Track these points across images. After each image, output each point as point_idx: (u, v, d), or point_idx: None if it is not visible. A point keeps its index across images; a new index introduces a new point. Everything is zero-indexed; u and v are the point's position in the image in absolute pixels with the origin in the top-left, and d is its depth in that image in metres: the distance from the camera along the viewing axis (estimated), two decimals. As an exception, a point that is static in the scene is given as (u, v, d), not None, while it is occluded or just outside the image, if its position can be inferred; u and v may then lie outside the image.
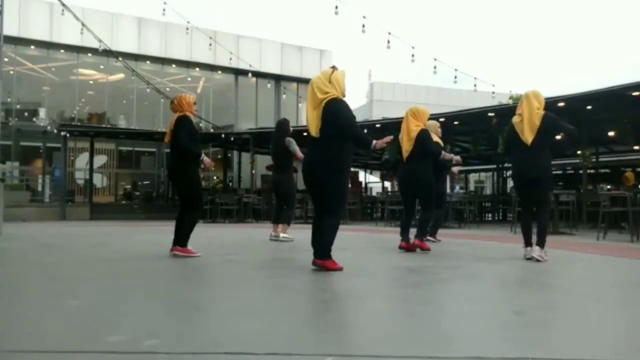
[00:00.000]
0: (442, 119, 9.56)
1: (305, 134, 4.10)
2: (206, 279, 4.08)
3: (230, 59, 17.17)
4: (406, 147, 5.47)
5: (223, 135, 16.84)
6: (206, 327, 2.40)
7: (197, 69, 22.03)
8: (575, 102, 9.94)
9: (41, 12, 18.56)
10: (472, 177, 29.71)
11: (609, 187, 11.75)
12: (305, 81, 22.28)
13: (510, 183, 19.65)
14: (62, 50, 19.67)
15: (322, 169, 3.94)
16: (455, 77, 12.67)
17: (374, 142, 3.95)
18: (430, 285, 3.66)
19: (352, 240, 6.94)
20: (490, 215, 16.82)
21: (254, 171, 16.45)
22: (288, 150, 6.68)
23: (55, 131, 16.69)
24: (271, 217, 7.85)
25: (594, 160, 13.94)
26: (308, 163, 4.09)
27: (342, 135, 3.90)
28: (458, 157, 6.36)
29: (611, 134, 13.09)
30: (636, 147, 15.05)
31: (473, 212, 12.47)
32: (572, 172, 19.46)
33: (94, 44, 13.52)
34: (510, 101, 13.61)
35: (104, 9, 19.89)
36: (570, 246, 6.48)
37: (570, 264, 5.00)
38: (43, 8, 18.51)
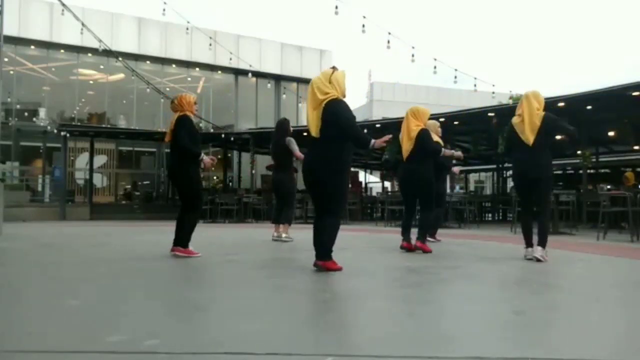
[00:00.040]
0: (442, 119, 9.56)
1: (305, 134, 4.10)
2: (206, 279, 4.08)
3: (230, 59, 17.18)
4: (406, 146, 5.47)
5: (223, 135, 16.84)
6: (206, 327, 2.40)
7: (197, 69, 22.03)
8: (575, 102, 9.94)
9: (41, 12, 18.57)
10: (472, 177, 29.71)
11: (609, 187, 11.75)
12: (305, 81, 22.28)
13: (510, 183, 19.66)
14: (62, 50, 19.67)
15: (323, 169, 3.95)
16: (455, 77, 12.68)
17: (373, 141, 3.96)
18: (430, 285, 3.66)
19: (352, 240, 6.94)
20: (490, 215, 16.82)
21: (254, 171, 16.45)
22: (288, 150, 6.68)
23: (55, 131, 16.69)
24: (271, 217, 7.85)
25: (594, 160, 13.93)
26: (308, 163, 4.09)
27: (342, 135, 3.90)
28: (459, 153, 6.34)
29: (611, 134, 13.10)
30: (636, 147, 15.06)
31: (473, 212, 12.47)
32: (572, 172, 19.46)
33: (94, 44, 13.52)
34: (510, 101, 13.61)
35: (104, 9, 19.91)
36: (570, 246, 6.48)
37: (570, 264, 5.00)
38: (43, 8, 18.51)
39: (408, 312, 2.81)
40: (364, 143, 4.01)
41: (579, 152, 11.11)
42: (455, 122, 12.01)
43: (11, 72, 18.62)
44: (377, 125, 13.61)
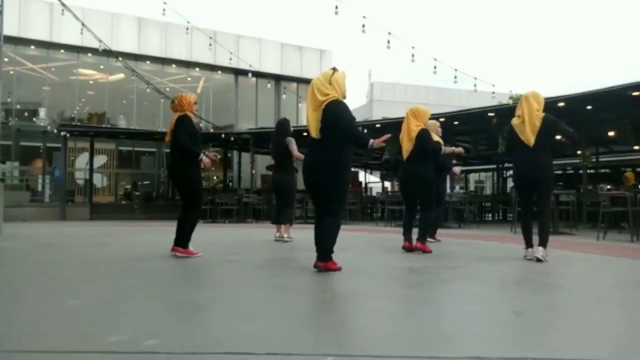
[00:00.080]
0: (442, 119, 9.56)
1: (305, 134, 4.10)
2: (206, 279, 4.08)
3: (230, 59, 17.18)
4: (406, 147, 5.47)
5: (223, 135, 16.84)
6: (206, 327, 2.40)
7: (197, 69, 22.03)
8: (575, 102, 9.94)
9: (41, 12, 18.56)
10: (472, 177, 29.71)
11: (609, 187, 11.75)
12: (305, 81, 22.29)
13: (510, 183, 19.66)
14: (62, 50, 19.67)
15: (323, 169, 3.95)
16: (455, 77, 12.67)
17: (372, 141, 3.96)
18: (431, 285, 3.66)
19: (352, 240, 6.94)
20: (490, 215, 16.81)
21: (254, 171, 16.45)
22: (289, 150, 6.68)
23: (55, 131, 16.69)
24: (271, 217, 7.85)
25: (594, 160, 13.93)
26: (308, 164, 4.10)
27: (342, 136, 3.91)
28: (460, 149, 6.33)
29: (611, 134, 13.09)
30: (636, 147, 15.05)
31: (473, 212, 12.46)
32: (572, 172, 19.47)
33: (94, 44, 13.51)
34: (510, 101, 13.61)
35: (104, 9, 19.91)
36: (570, 246, 6.48)
37: (570, 264, 5.00)
38: (43, 8, 18.51)
39: (408, 312, 2.81)
40: (363, 143, 4.01)
41: (579, 152, 11.12)
42: (455, 122, 12.01)
43: (11, 72, 18.62)
44: (377, 125, 13.60)
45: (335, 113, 3.88)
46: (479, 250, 5.98)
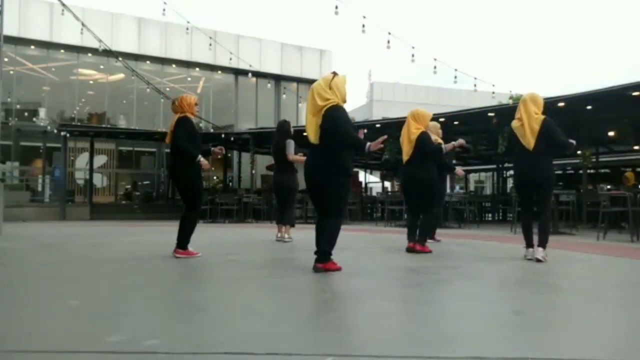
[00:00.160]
0: (442, 119, 9.54)
1: (305, 134, 4.11)
2: (206, 279, 4.08)
3: (230, 59, 17.18)
4: (406, 149, 5.48)
5: (223, 135, 16.84)
6: (206, 327, 2.40)
7: (197, 69, 22.03)
8: (575, 102, 9.94)
9: (41, 12, 18.57)
10: (472, 177, 29.70)
11: (609, 187, 11.76)
12: (305, 81, 22.31)
13: (510, 183, 19.66)
14: (62, 50, 19.67)
15: (322, 172, 3.97)
16: (455, 77, 12.68)
17: (368, 144, 3.96)
18: (430, 285, 3.66)
19: (352, 240, 6.94)
20: (490, 215, 16.81)
21: (254, 171, 16.46)
22: None
23: (55, 131, 16.69)
24: (271, 218, 7.85)
25: (594, 160, 13.93)
26: (308, 166, 4.12)
27: (341, 142, 3.92)
28: (461, 141, 6.31)
29: (611, 134, 13.09)
30: (636, 147, 15.06)
31: (473, 212, 12.46)
32: (572, 172, 19.47)
33: (94, 44, 13.52)
34: (510, 101, 13.58)
35: (104, 9, 19.91)
36: (570, 246, 6.48)
37: (570, 264, 5.00)
38: (43, 8, 18.51)
39: (408, 312, 2.81)
40: (360, 148, 4.02)
41: (579, 152, 11.10)
42: (455, 122, 12.01)
43: (11, 72, 18.63)
44: (377, 125, 13.60)
45: (333, 118, 3.89)
46: (479, 250, 5.98)
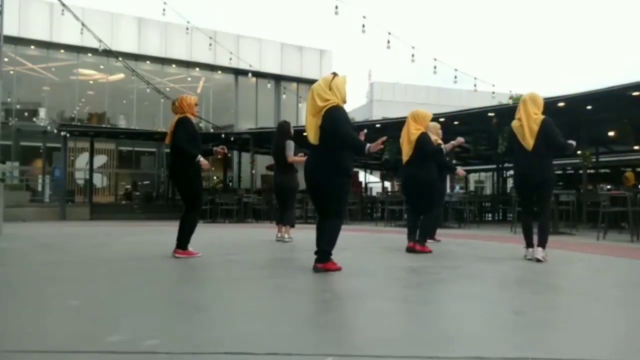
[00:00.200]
0: (442, 119, 9.55)
1: (305, 134, 4.11)
2: (206, 279, 4.08)
3: (230, 59, 17.18)
4: (406, 150, 5.49)
5: (223, 135, 16.83)
6: (206, 327, 2.40)
7: (197, 69, 22.03)
8: (575, 102, 9.94)
9: (41, 12, 18.57)
10: (472, 177, 29.70)
11: (609, 187, 11.76)
12: (305, 81, 22.31)
13: (510, 183, 19.66)
14: (62, 50, 19.67)
15: (322, 173, 3.98)
16: (455, 77, 12.66)
17: (368, 145, 3.96)
18: (431, 285, 3.66)
19: (352, 240, 6.94)
20: (490, 215, 16.82)
21: (254, 171, 16.46)
22: None
23: (55, 131, 16.69)
24: (271, 217, 7.85)
25: (594, 160, 13.93)
26: (308, 166, 4.12)
27: (341, 143, 3.92)
28: (460, 139, 6.32)
29: (611, 134, 13.09)
30: (636, 147, 15.05)
31: (473, 212, 12.46)
32: (572, 172, 19.47)
33: (94, 44, 13.52)
34: (510, 101, 13.59)
35: (104, 9, 19.91)
36: (570, 246, 6.48)
37: (570, 264, 5.00)
38: (43, 8, 18.51)
39: (408, 312, 2.81)
40: (359, 150, 4.01)
41: (579, 152, 11.11)
42: (455, 122, 12.00)
43: (11, 72, 18.63)
44: (377, 126, 13.58)
45: (333, 119, 3.89)
46: (479, 250, 5.98)
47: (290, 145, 6.69)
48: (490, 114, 11.15)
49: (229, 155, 19.95)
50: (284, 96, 21.74)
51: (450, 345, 2.09)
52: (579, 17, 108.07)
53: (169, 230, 5.40)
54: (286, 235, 6.83)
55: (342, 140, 3.91)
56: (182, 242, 4.99)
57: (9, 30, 13.70)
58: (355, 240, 7.12)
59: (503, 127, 10.21)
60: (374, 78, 41.12)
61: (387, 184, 22.81)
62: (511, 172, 16.05)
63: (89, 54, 19.07)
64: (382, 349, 2.01)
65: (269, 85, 20.54)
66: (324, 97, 3.94)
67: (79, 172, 20.61)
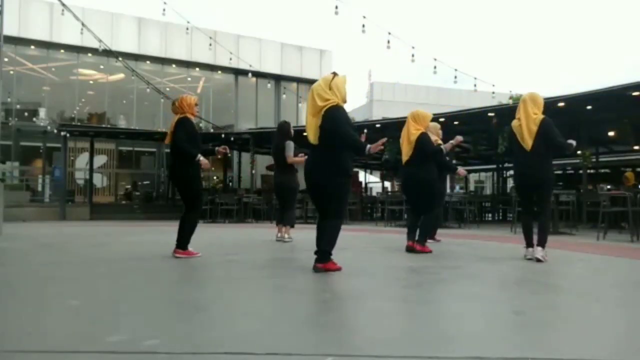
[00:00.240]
0: (442, 119, 9.55)
1: (305, 134, 4.11)
2: (206, 279, 4.08)
3: (230, 59, 17.19)
4: (406, 150, 5.49)
5: (223, 135, 16.84)
6: (206, 327, 2.40)
7: (197, 69, 22.03)
8: (575, 102, 9.94)
9: (41, 12, 18.57)
10: (472, 177, 29.71)
11: (609, 187, 11.75)
12: (305, 81, 22.31)
13: (510, 183, 19.66)
14: (62, 50, 19.67)
15: (321, 173, 3.98)
16: (455, 77, 12.66)
17: (368, 146, 3.96)
18: (431, 285, 3.66)
19: (352, 240, 6.94)
20: (490, 215, 16.82)
21: (254, 171, 16.46)
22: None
23: (55, 131, 16.69)
24: (271, 217, 7.85)
25: (594, 160, 13.93)
26: (308, 166, 4.12)
27: (341, 142, 3.92)
28: (459, 138, 6.32)
29: (611, 134, 13.09)
30: (636, 147, 15.05)
31: (473, 212, 12.46)
32: (572, 172, 19.47)
33: (94, 44, 13.52)
34: (510, 101, 13.59)
35: (104, 9, 19.91)
36: (570, 246, 6.48)
37: (570, 264, 5.00)
38: (43, 8, 18.51)
39: (408, 312, 2.81)
40: (360, 150, 4.01)
41: (579, 152, 11.11)
42: (455, 122, 12.00)
43: (11, 72, 18.63)
44: (377, 126, 13.57)
45: (333, 119, 3.88)
46: (479, 250, 5.98)
47: (290, 145, 6.69)
48: (490, 114, 11.16)
49: (229, 155, 19.96)
50: (284, 96, 21.74)
51: (450, 345, 2.09)
52: (579, 17, 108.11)
53: (169, 230, 5.40)
54: (286, 235, 6.83)
55: (342, 140, 3.91)
56: (182, 242, 4.99)
57: (9, 30, 13.71)
58: (355, 240, 7.12)
59: (503, 127, 10.21)
60: (374, 78, 41.18)
61: (387, 184, 22.80)
62: (511, 172, 16.05)
63: (89, 54, 19.07)
64: (382, 349, 2.01)
65: (269, 85, 20.54)
66: (324, 96, 3.94)
67: (79, 172, 20.61)
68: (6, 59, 16.02)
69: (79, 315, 2.63)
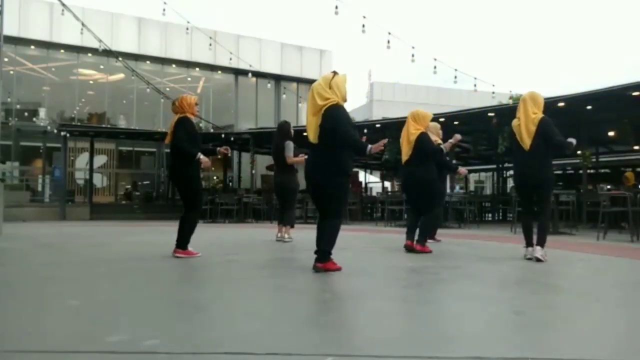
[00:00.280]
0: (442, 119, 9.55)
1: (305, 134, 4.10)
2: (206, 279, 4.08)
3: (230, 59, 17.19)
4: (405, 150, 5.49)
5: (223, 135, 16.83)
6: (206, 327, 2.40)
7: (197, 69, 22.04)
8: (575, 102, 9.94)
9: (41, 12, 18.57)
10: (472, 177, 29.71)
11: (609, 187, 11.75)
12: (305, 81, 22.31)
13: (510, 183, 19.66)
14: (62, 50, 19.67)
15: (321, 173, 3.98)
16: (455, 77, 12.67)
17: (369, 147, 3.95)
18: (431, 285, 3.66)
19: (352, 240, 6.94)
20: (490, 215, 16.82)
21: (254, 171, 16.46)
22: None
23: (55, 131, 16.70)
24: (271, 217, 7.86)
25: (594, 160, 13.93)
26: (308, 166, 4.12)
27: (341, 142, 3.91)
28: (457, 136, 6.31)
29: (611, 134, 13.09)
30: (636, 147, 15.05)
31: (473, 212, 12.47)
32: (572, 172, 19.47)
33: (94, 44, 13.52)
34: (510, 101, 13.59)
35: (104, 9, 19.92)
36: (570, 246, 6.48)
37: (570, 264, 5.00)
38: (43, 8, 18.51)
39: (408, 312, 2.81)
40: (361, 150, 4.01)
41: (579, 152, 11.12)
42: (455, 122, 12.00)
43: (11, 72, 18.63)
44: (377, 126, 13.59)
45: (333, 118, 3.88)
46: (479, 250, 5.98)
47: (289, 145, 6.68)
48: (490, 114, 11.16)
49: (229, 155, 19.96)
50: (284, 96, 21.74)
51: (450, 345, 2.09)
52: (579, 17, 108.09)
53: (169, 230, 5.39)
54: (286, 235, 6.83)
55: (342, 139, 3.90)
56: (182, 242, 4.99)
57: (9, 30, 13.71)
58: (355, 240, 7.12)
59: (503, 127, 10.21)
60: (374, 78, 41.17)
61: (387, 184, 22.80)
62: (511, 172, 16.05)
63: (89, 54, 19.08)
64: (382, 349, 2.01)
65: (269, 85, 20.54)
66: (324, 95, 3.93)
67: (79, 172, 20.62)
68: (6, 59, 16.02)
69: (79, 315, 2.63)
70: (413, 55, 11.54)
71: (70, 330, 2.34)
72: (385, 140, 4.17)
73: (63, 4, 12.30)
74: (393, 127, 9.86)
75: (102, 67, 20.46)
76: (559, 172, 19.06)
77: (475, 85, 12.73)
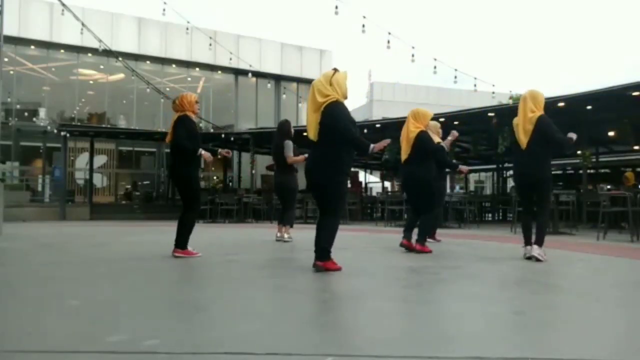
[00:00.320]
0: (442, 119, 9.54)
1: (305, 133, 4.10)
2: (206, 279, 4.08)
3: (230, 59, 17.19)
4: (405, 148, 5.48)
5: (223, 135, 16.84)
6: (206, 327, 2.40)
7: (197, 69, 22.03)
8: (575, 102, 9.94)
9: (41, 12, 18.57)
10: (472, 177, 29.71)
11: (609, 187, 11.76)
12: (305, 81, 22.31)
13: (510, 183, 19.67)
14: (62, 50, 19.67)
15: (322, 171, 3.97)
16: (455, 77, 12.68)
17: (372, 146, 3.95)
18: (430, 285, 3.66)
19: (352, 240, 6.94)
20: (490, 215, 16.82)
21: (254, 171, 16.46)
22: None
23: (55, 131, 16.70)
24: (271, 217, 7.86)
25: (594, 160, 13.93)
26: (308, 164, 4.12)
27: (341, 139, 3.91)
28: (454, 133, 6.27)
29: (611, 134, 13.09)
30: (636, 147, 15.05)
31: (473, 212, 12.46)
32: (572, 172, 19.47)
33: (94, 44, 13.53)
34: (510, 101, 13.62)
35: (104, 9, 19.92)
36: (570, 246, 6.48)
37: (570, 264, 5.00)
38: (43, 8, 18.51)
39: (408, 312, 2.81)
40: (362, 148, 4.00)
41: (579, 152, 11.12)
42: (455, 122, 11.99)
43: (11, 72, 18.63)
44: (377, 126, 13.59)
45: (333, 115, 3.87)
46: (479, 250, 5.98)
47: (289, 145, 6.68)
48: (490, 114, 11.16)
49: (230, 156, 19.97)
50: (284, 96, 21.74)
51: (450, 345, 2.09)
52: (579, 17, 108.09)
53: (169, 230, 5.39)
54: (286, 235, 6.83)
55: (341, 136, 3.89)
56: (181, 241, 4.99)
57: (9, 30, 13.71)
58: (355, 240, 7.12)
59: (503, 127, 10.22)
60: (374, 78, 41.18)
61: (387, 184, 22.80)
62: (511, 172, 16.06)
63: (89, 54, 19.08)
64: (382, 349, 2.01)
65: (269, 85, 20.54)
66: (324, 92, 3.93)
67: (79, 172, 20.62)
68: (6, 59, 16.02)
69: (79, 315, 2.63)
70: (413, 55, 11.54)
71: (70, 330, 2.33)
72: (389, 140, 4.16)
73: (63, 4, 12.30)
74: (393, 127, 9.85)
75: (102, 67, 20.46)
76: (559, 172, 19.07)
77: (475, 85, 12.73)
